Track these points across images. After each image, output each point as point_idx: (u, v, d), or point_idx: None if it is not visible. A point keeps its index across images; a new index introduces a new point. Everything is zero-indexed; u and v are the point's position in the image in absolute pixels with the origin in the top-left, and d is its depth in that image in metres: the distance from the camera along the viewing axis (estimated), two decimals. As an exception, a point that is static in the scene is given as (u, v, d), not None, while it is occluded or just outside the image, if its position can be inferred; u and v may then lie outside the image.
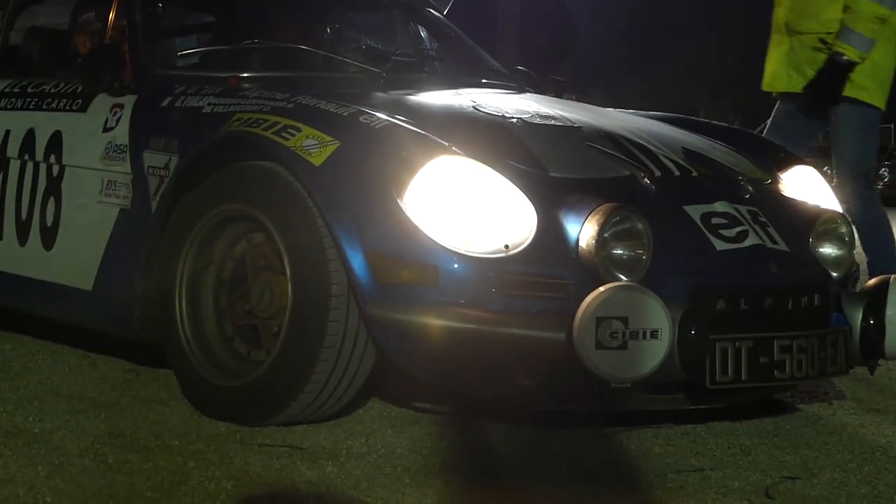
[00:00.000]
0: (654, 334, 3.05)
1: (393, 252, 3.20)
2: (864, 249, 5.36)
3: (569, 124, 3.82)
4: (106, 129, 3.99)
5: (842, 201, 5.25)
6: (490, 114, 3.80)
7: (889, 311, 3.53)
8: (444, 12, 5.46)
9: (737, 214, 3.52)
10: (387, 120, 3.41)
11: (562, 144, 3.65)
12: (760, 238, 3.48)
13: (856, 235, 3.74)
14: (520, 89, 4.61)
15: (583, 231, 3.22)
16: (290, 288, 3.30)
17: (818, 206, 3.83)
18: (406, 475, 2.97)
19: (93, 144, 4.00)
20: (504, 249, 3.19)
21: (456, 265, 3.18)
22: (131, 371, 4.00)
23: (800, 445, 3.41)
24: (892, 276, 3.60)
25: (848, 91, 5.20)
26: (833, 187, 4.96)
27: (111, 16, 4.28)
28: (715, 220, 3.47)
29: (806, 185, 4.04)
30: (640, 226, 3.26)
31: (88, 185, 3.98)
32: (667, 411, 3.49)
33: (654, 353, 3.05)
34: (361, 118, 3.42)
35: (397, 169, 3.26)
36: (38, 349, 4.27)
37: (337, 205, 3.25)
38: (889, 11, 5.17)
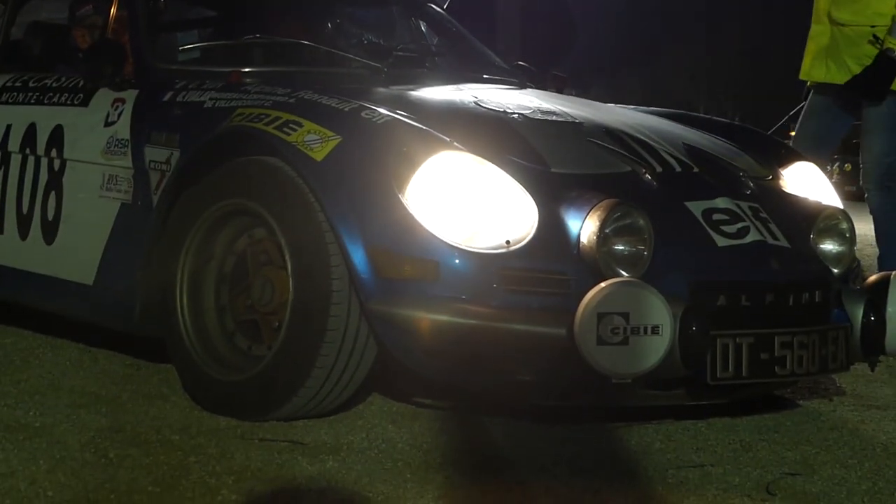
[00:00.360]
0: (655, 330, 3.05)
1: (394, 247, 3.20)
2: (878, 241, 5.34)
3: (570, 120, 3.82)
4: (107, 124, 3.98)
5: (865, 191, 5.25)
6: (491, 109, 3.80)
7: (890, 308, 3.54)
8: (445, 7, 5.46)
9: (738, 210, 3.51)
10: (388, 115, 3.41)
11: (563, 140, 3.65)
12: (762, 234, 3.48)
13: (856, 232, 3.73)
14: (521, 85, 4.61)
15: (584, 227, 3.22)
16: (291, 283, 3.30)
17: (819, 203, 3.83)
18: (407, 470, 2.97)
19: (94, 139, 4.00)
20: (505, 245, 3.19)
21: (457, 260, 3.18)
22: (132, 366, 4.00)
23: (800, 441, 3.41)
24: (893, 273, 3.61)
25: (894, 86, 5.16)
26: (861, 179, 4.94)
27: (112, 10, 4.28)
28: (716, 216, 3.46)
29: (807, 182, 4.04)
30: (641, 222, 3.26)
31: (90, 180, 3.97)
32: (667, 407, 3.49)
33: (655, 348, 3.06)
34: (363, 113, 3.41)
35: (399, 164, 3.26)
36: (39, 343, 4.26)
37: (338, 200, 3.25)
38: None
